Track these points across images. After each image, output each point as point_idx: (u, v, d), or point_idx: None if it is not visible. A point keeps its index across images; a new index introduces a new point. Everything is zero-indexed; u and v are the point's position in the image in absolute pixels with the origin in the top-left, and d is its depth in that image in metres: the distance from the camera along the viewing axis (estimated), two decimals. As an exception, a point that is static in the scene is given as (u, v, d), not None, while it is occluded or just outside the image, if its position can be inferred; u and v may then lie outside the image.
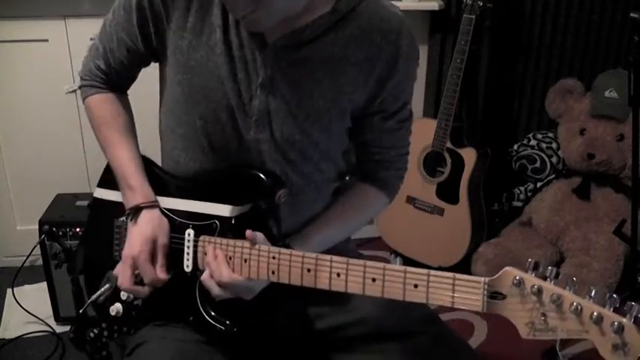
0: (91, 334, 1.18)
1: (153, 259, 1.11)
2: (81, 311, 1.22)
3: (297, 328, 1.21)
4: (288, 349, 1.21)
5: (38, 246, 2.03)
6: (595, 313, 0.77)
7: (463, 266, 2.46)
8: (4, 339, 2.10)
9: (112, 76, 1.23)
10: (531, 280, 0.82)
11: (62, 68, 2.33)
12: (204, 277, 1.06)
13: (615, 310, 0.77)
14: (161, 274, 1.11)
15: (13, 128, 2.41)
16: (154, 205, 1.15)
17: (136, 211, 1.14)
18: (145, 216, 1.13)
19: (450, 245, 2.49)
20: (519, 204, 2.76)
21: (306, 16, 1.06)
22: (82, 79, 1.26)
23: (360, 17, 1.09)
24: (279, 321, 1.19)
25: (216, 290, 1.05)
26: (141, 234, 1.11)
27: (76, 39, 2.31)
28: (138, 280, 1.12)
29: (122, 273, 1.11)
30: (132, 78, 1.27)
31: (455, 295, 0.87)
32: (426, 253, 2.54)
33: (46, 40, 2.33)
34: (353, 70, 1.10)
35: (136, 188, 1.16)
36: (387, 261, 2.67)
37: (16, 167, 2.46)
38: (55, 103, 2.38)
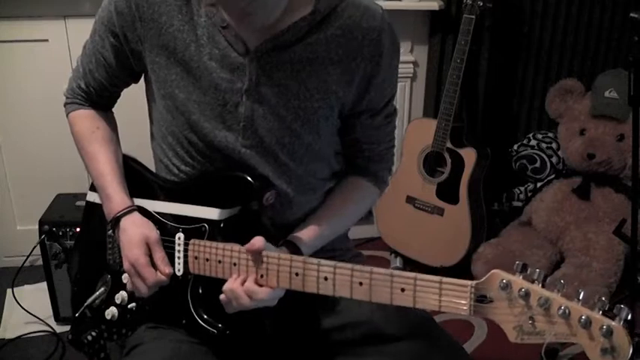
0: (89, 337, 1.17)
1: (151, 259, 1.10)
2: (77, 315, 1.22)
3: (291, 330, 1.20)
4: (283, 352, 1.20)
5: (38, 246, 2.03)
6: (583, 317, 0.75)
7: (463, 266, 2.46)
8: (4, 339, 2.09)
9: (93, 96, 1.25)
10: (519, 282, 0.80)
11: (62, 68, 2.31)
12: (226, 301, 1.04)
13: (604, 313, 0.75)
14: (165, 268, 1.09)
15: (13, 128, 2.41)
16: (132, 209, 1.15)
17: (116, 221, 1.13)
18: (126, 222, 1.13)
19: (450, 245, 2.49)
20: (519, 204, 2.75)
21: (286, 19, 1.06)
22: (65, 97, 1.27)
23: (341, 16, 1.09)
24: (273, 323, 1.19)
25: (247, 302, 1.03)
26: (130, 241, 1.10)
27: (76, 39, 2.30)
28: None
29: (135, 284, 1.10)
30: (113, 97, 1.28)
31: (442, 299, 0.86)
32: (426, 253, 2.54)
33: (46, 40, 2.33)
34: (337, 69, 1.10)
35: (112, 197, 1.15)
36: (387, 261, 2.67)
37: (16, 167, 2.46)
38: (56, 103, 2.37)
